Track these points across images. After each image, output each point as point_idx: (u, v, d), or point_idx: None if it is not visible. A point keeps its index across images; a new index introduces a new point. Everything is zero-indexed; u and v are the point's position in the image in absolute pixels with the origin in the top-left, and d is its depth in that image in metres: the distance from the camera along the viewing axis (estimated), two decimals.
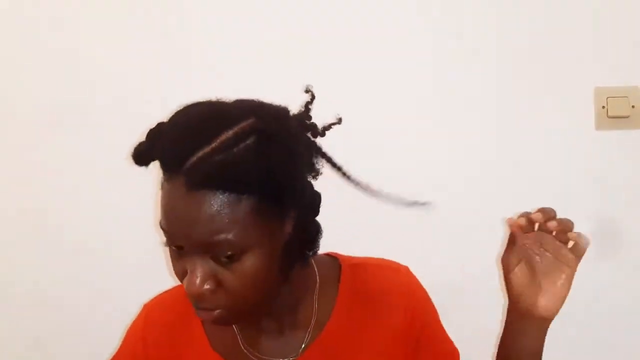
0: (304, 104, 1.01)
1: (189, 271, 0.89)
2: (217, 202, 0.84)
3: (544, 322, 1.00)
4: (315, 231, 1.01)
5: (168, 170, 0.87)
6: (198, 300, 0.90)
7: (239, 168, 0.84)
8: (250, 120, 0.87)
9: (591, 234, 1.60)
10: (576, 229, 0.98)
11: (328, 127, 1.02)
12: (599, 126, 1.63)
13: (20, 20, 1.67)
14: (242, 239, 0.87)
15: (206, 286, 0.88)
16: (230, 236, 0.86)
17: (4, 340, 1.71)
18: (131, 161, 0.92)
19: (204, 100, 0.94)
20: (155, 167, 0.91)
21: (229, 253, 0.87)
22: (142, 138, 0.94)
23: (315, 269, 1.07)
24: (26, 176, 1.68)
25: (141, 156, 0.91)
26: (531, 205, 1.62)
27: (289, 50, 1.62)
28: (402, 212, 1.59)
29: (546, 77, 1.63)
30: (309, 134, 1.00)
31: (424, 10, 1.62)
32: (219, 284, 0.89)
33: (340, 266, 1.09)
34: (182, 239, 0.88)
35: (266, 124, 0.88)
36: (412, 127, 1.63)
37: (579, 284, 1.64)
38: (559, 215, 1.59)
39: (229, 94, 1.59)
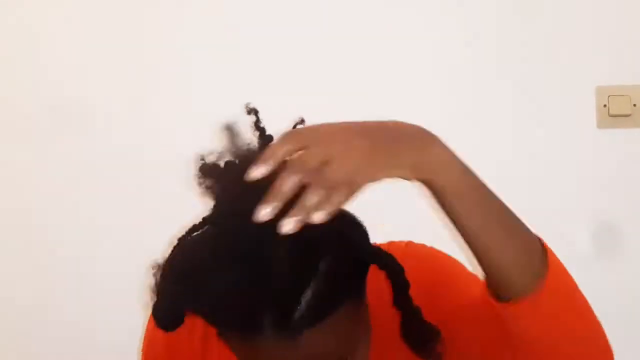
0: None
1: None
2: (320, 338, 0.75)
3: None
4: None
5: (245, 330, 0.77)
6: None
7: (328, 292, 0.74)
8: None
9: (592, 233, 1.64)
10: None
11: None
12: (601, 125, 1.63)
13: (20, 21, 1.67)
14: (353, 343, 0.81)
15: None
16: (342, 350, 0.80)
17: None
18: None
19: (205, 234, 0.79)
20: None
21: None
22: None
23: None
24: (24, 177, 1.68)
25: (177, 322, 0.77)
26: (531, 204, 1.62)
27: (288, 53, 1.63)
28: (403, 212, 1.61)
29: (548, 76, 1.63)
30: None
31: (425, 10, 1.62)
32: None
33: None
34: None
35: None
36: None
37: (578, 283, 1.65)
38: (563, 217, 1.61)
39: (229, 94, 1.61)
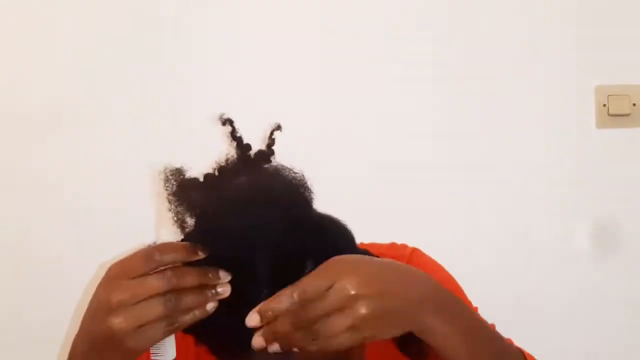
0: (267, 144, 0.87)
1: None
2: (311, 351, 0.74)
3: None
4: None
5: (236, 348, 0.77)
6: None
7: None
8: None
9: (592, 233, 1.64)
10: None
11: (272, 142, 0.88)
12: (600, 124, 1.63)
13: (19, 20, 1.67)
14: (346, 353, 0.78)
15: None
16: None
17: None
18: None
19: None
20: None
21: None
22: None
23: None
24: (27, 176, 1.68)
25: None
26: (530, 204, 1.63)
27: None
28: (399, 212, 1.61)
29: (547, 76, 1.63)
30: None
31: (420, 8, 1.62)
32: None
33: None
34: None
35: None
36: (412, 126, 1.63)
37: (578, 283, 1.66)
38: (559, 214, 1.62)
39: (229, 92, 1.61)
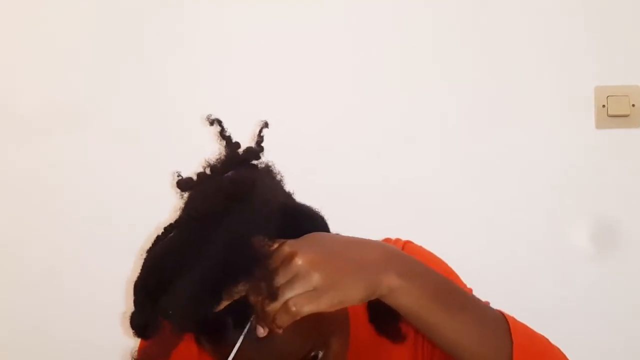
0: (256, 142, 0.89)
1: None
2: (285, 334, 0.76)
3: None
4: None
5: (213, 334, 0.80)
6: None
7: None
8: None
9: (591, 233, 1.64)
10: None
11: (261, 139, 0.90)
12: (599, 125, 1.63)
13: (19, 20, 1.67)
14: (323, 337, 0.83)
15: None
16: (310, 345, 0.82)
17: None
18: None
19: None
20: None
21: (320, 353, 0.83)
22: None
23: None
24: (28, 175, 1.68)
25: (151, 331, 0.78)
26: (530, 205, 1.63)
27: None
28: (397, 212, 1.61)
29: (547, 76, 1.63)
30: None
31: (420, 8, 1.62)
32: None
33: None
34: None
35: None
36: (410, 126, 1.63)
37: (577, 282, 1.66)
38: (562, 213, 1.62)
39: (225, 92, 1.61)
